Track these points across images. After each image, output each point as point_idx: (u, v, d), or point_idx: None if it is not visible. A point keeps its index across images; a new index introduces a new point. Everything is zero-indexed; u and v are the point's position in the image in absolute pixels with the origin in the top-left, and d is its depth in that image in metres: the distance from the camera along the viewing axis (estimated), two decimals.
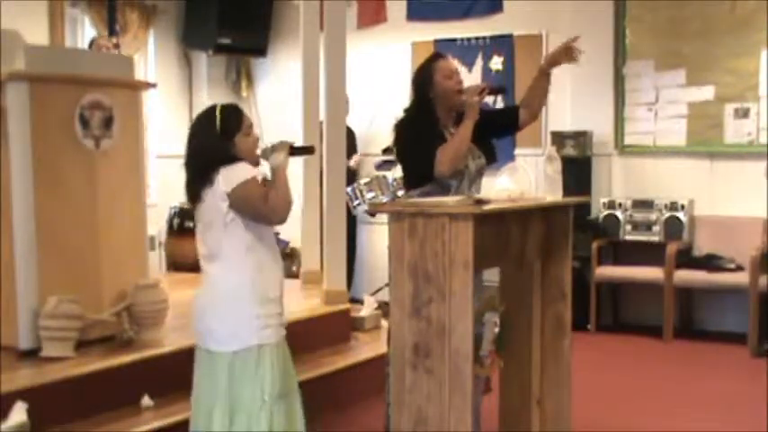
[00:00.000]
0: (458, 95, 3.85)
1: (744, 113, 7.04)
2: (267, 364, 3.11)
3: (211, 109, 3.23)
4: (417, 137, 3.82)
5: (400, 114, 3.96)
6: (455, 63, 4.14)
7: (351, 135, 7.69)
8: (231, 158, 3.13)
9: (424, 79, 3.90)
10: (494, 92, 4.05)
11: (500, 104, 7.70)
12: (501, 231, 3.50)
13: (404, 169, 4.00)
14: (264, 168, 3.26)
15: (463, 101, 3.83)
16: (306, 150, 3.58)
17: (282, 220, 3.18)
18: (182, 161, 3.20)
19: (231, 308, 3.10)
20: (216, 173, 3.07)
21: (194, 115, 3.25)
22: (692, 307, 7.26)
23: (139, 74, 7.09)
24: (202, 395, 3.15)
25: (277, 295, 3.21)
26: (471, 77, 8.09)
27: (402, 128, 3.91)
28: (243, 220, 3.11)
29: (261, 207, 3.10)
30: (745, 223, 6.89)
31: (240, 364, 3.09)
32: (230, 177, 3.08)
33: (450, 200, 3.40)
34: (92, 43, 6.83)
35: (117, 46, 6.59)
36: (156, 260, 7.51)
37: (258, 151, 3.24)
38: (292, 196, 3.22)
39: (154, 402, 4.01)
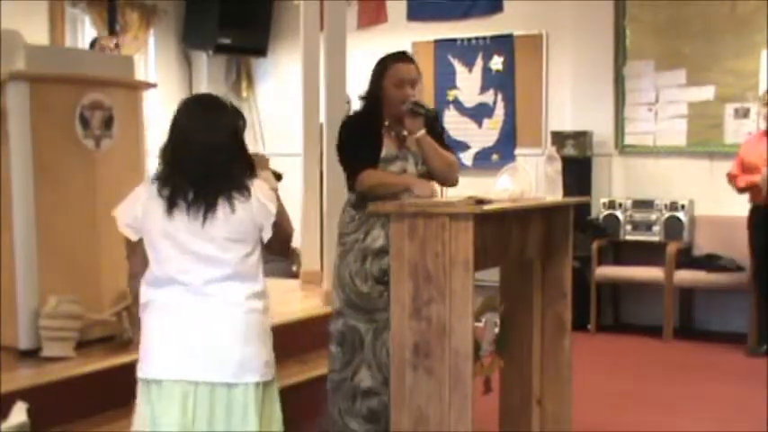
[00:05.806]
0: (400, 108, 3.65)
1: (744, 113, 7.04)
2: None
3: (221, 101, 2.78)
4: (353, 139, 3.72)
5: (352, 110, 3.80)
6: (413, 70, 3.72)
7: None
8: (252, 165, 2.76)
9: (374, 78, 3.74)
10: (415, 114, 3.64)
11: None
12: (501, 231, 3.50)
13: (343, 170, 3.79)
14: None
15: (403, 114, 3.65)
16: (278, 177, 3.30)
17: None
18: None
19: (266, 335, 2.81)
20: (247, 181, 2.68)
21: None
22: (692, 307, 7.26)
23: (140, 74, 7.08)
24: None
25: None
26: (472, 77, 8.11)
27: (342, 128, 3.80)
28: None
29: (290, 232, 2.85)
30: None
31: (269, 393, 2.83)
32: (266, 192, 2.71)
33: (450, 200, 3.40)
34: (92, 43, 6.84)
35: (117, 46, 6.59)
36: None
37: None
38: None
39: None
